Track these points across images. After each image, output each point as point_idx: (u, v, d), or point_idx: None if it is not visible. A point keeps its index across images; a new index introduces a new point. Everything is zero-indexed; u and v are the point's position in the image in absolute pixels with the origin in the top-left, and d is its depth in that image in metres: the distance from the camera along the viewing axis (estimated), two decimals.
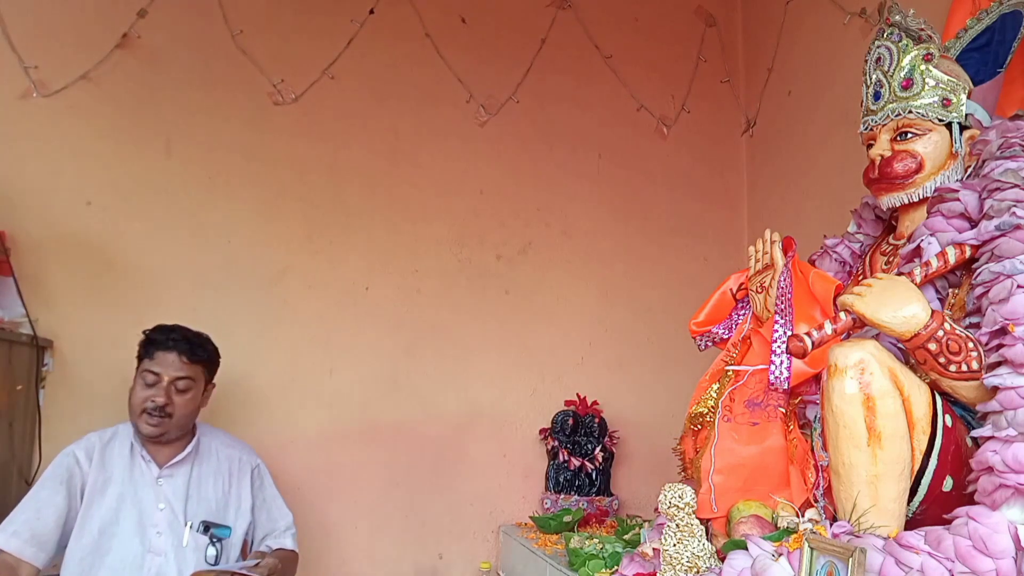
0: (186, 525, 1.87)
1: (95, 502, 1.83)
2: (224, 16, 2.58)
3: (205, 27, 2.56)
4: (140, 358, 1.93)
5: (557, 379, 2.82)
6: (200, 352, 1.96)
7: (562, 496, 2.59)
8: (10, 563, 1.74)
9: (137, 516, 1.85)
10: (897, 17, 1.56)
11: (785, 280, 1.60)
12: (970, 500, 1.19)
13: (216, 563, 1.80)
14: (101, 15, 2.45)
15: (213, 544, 1.86)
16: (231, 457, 2.04)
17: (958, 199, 1.40)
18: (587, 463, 2.63)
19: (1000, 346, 1.20)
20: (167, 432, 1.90)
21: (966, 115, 1.52)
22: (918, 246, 1.44)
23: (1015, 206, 1.28)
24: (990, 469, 1.15)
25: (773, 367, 1.51)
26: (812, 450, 1.45)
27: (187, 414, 1.93)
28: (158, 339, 1.92)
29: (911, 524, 1.24)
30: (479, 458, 2.71)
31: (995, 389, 1.18)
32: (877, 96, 1.58)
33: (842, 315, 1.33)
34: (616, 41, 3.02)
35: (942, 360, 1.25)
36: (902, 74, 1.54)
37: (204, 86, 2.55)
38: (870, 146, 1.61)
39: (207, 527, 1.86)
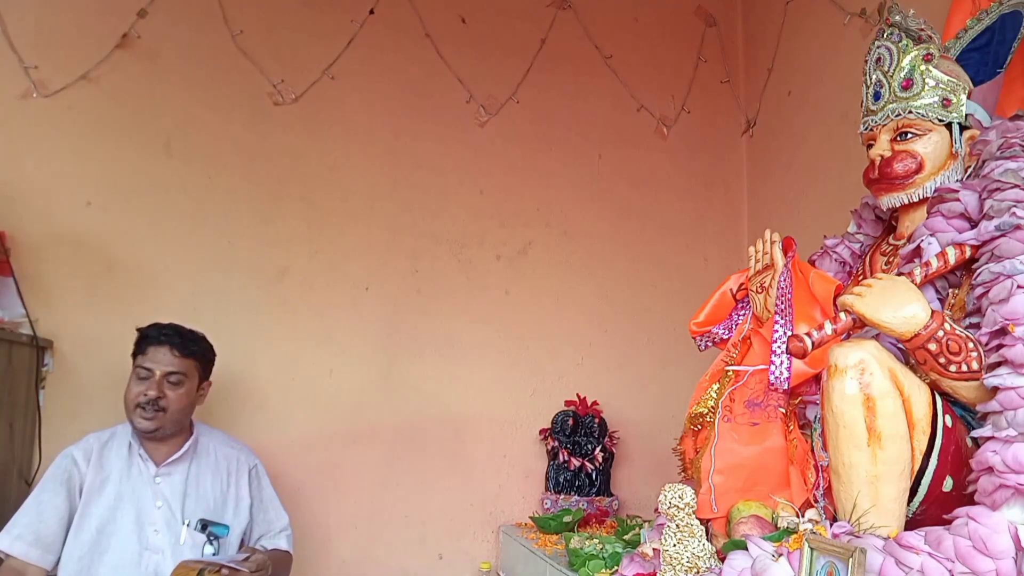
0: (184, 523, 1.88)
1: (93, 501, 1.84)
2: (224, 16, 2.58)
3: (205, 27, 2.56)
4: (133, 356, 1.94)
5: (557, 379, 2.82)
6: (192, 346, 1.97)
7: (562, 496, 2.59)
8: (16, 567, 1.75)
9: (135, 514, 1.85)
10: (897, 17, 1.56)
11: (785, 280, 1.60)
12: (970, 500, 1.19)
13: None
14: (101, 15, 2.45)
15: (211, 542, 1.86)
16: (229, 456, 2.04)
17: (958, 199, 1.40)
18: (587, 463, 2.63)
19: (1000, 346, 1.20)
20: (162, 427, 1.91)
21: (966, 115, 1.52)
22: (918, 246, 1.44)
23: (1015, 206, 1.28)
24: (990, 469, 1.15)
25: (773, 367, 1.51)
26: (812, 450, 1.45)
27: (181, 408, 1.94)
28: (150, 335, 1.94)
29: (911, 524, 1.24)
30: (479, 458, 2.71)
31: (995, 389, 1.18)
32: (877, 96, 1.58)
33: (842, 315, 1.33)
34: (616, 41, 3.02)
35: (942, 360, 1.25)
36: (902, 74, 1.54)
37: (204, 86, 2.55)
38: (870, 146, 1.60)
39: (205, 525, 1.87)
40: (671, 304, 2.90)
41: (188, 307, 2.34)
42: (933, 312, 1.26)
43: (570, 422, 2.66)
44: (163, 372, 1.90)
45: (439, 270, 2.75)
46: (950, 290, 1.44)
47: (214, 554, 1.84)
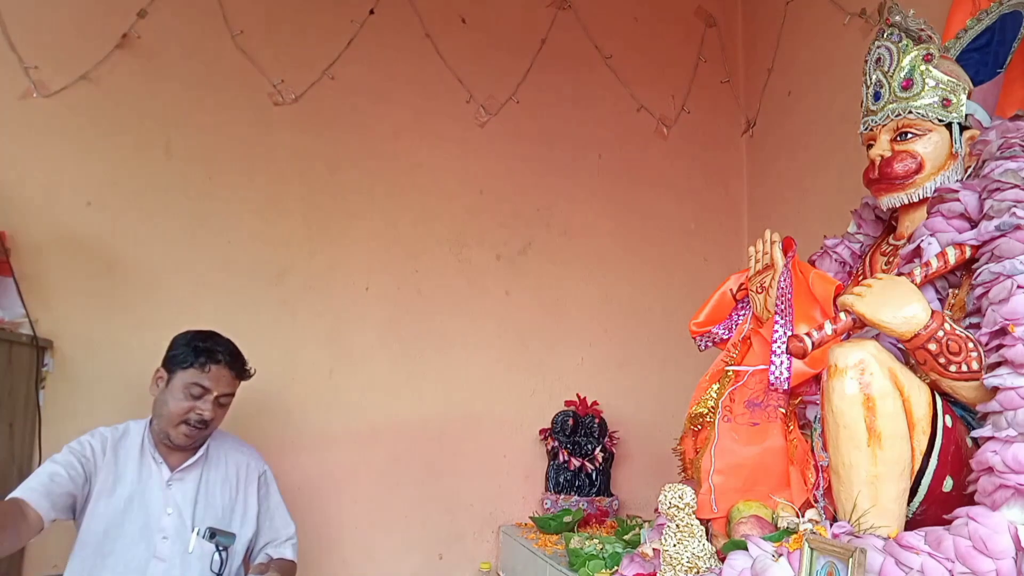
0: (193, 530, 1.84)
1: (102, 500, 1.80)
2: (224, 16, 2.58)
3: (205, 27, 2.56)
4: (180, 364, 1.85)
5: (557, 379, 2.82)
6: (245, 373, 1.96)
7: (562, 496, 2.59)
8: (19, 503, 1.66)
9: (144, 520, 1.82)
10: (897, 17, 1.56)
11: (785, 280, 1.60)
12: (970, 500, 1.19)
13: (220, 571, 1.77)
14: (101, 15, 2.45)
15: (219, 551, 1.79)
16: (239, 463, 2.01)
17: (958, 199, 1.40)
18: (587, 463, 2.63)
19: (1000, 346, 1.20)
20: (196, 441, 1.89)
21: (966, 115, 1.52)
22: (918, 246, 1.44)
23: (1015, 206, 1.28)
24: (990, 469, 1.15)
25: (773, 367, 1.52)
26: (812, 450, 1.45)
27: (218, 425, 1.94)
28: (209, 349, 1.86)
29: (911, 524, 1.24)
30: (479, 458, 2.70)
31: (995, 389, 1.18)
32: (877, 96, 1.58)
33: (842, 315, 1.33)
34: (616, 41, 3.02)
35: (942, 360, 1.25)
36: (902, 74, 1.54)
37: (204, 86, 2.54)
38: (870, 146, 1.61)
39: (212, 533, 1.79)
40: (671, 304, 2.90)
41: (188, 307, 2.35)
42: (933, 312, 1.26)
43: (570, 422, 2.66)
44: (220, 393, 1.87)
45: (439, 270, 2.75)
46: (950, 290, 1.44)
47: (221, 563, 1.76)
